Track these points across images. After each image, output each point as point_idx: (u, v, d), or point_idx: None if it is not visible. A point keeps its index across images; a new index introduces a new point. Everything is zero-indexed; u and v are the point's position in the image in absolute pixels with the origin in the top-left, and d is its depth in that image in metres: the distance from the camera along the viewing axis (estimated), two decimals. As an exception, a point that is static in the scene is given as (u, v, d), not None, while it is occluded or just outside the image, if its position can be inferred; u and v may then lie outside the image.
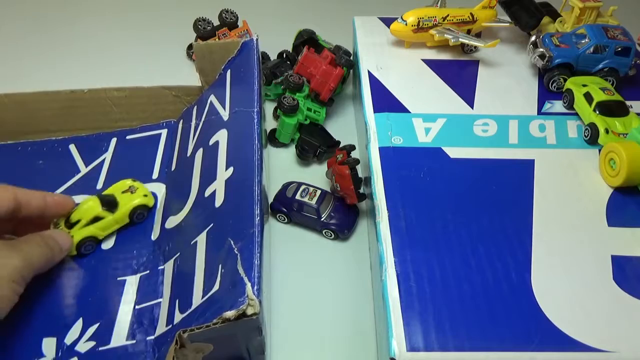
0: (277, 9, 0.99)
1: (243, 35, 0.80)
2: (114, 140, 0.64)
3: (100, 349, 0.44)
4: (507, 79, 0.67)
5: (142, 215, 0.54)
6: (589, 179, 0.54)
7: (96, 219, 0.50)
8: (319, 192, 0.59)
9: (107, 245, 0.52)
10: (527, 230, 0.49)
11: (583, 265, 0.46)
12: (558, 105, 0.63)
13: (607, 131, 0.56)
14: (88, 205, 0.51)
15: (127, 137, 0.64)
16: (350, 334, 0.50)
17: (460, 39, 0.68)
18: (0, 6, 0.97)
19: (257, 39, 0.63)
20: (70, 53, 0.86)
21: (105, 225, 0.51)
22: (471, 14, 0.71)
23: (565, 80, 0.63)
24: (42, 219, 0.50)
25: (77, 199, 0.56)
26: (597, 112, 0.58)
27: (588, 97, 0.59)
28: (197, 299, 0.42)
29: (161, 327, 0.45)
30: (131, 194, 0.53)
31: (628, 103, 0.59)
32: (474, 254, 0.46)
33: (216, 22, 0.80)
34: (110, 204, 0.52)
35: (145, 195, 0.54)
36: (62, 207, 0.51)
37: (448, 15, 0.70)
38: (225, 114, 0.58)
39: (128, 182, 0.55)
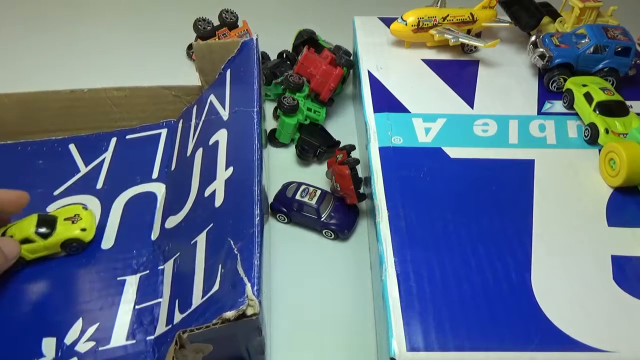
0: (277, 9, 0.99)
1: (243, 35, 0.80)
2: (113, 140, 0.64)
3: (100, 349, 0.44)
4: (507, 79, 0.67)
5: (76, 249, 0.51)
6: (589, 179, 0.54)
7: (26, 241, 0.49)
8: (319, 192, 0.59)
9: (107, 245, 0.52)
10: (527, 230, 0.49)
11: (583, 265, 0.46)
12: (558, 105, 0.63)
13: (607, 131, 0.56)
14: (24, 224, 0.50)
15: (127, 137, 0.64)
16: (350, 334, 0.50)
17: (460, 39, 0.68)
18: (0, 7, 0.97)
19: (256, 39, 0.63)
20: (70, 53, 0.86)
21: (34, 248, 0.49)
22: (471, 14, 0.71)
23: (565, 80, 0.63)
24: None
25: (77, 198, 0.57)
26: (597, 112, 0.58)
27: (588, 97, 0.59)
28: (197, 299, 0.42)
29: (161, 327, 0.45)
30: (71, 224, 0.50)
31: (628, 103, 0.59)
32: (474, 254, 0.46)
33: (216, 22, 0.80)
34: (46, 227, 0.49)
35: (84, 230, 0.51)
36: (17, 204, 0.50)
37: (448, 15, 0.70)
38: (225, 114, 0.58)
39: (77, 209, 0.53)
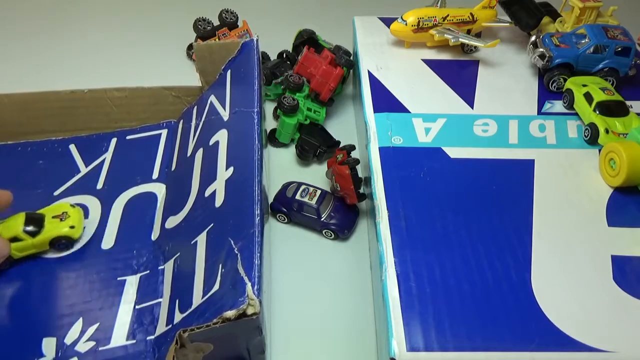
0: (277, 9, 0.99)
1: (243, 35, 0.80)
2: (114, 141, 0.64)
3: (100, 348, 0.44)
4: (507, 79, 0.67)
5: (65, 246, 0.51)
6: (589, 179, 0.54)
7: (15, 239, 0.49)
8: (319, 192, 0.59)
9: (107, 245, 0.52)
10: (527, 230, 0.49)
11: (583, 265, 0.46)
12: (558, 105, 0.63)
13: (607, 131, 0.56)
14: (12, 222, 0.50)
15: (127, 137, 0.64)
16: (350, 334, 0.50)
17: (460, 39, 0.68)
18: (0, 7, 0.97)
19: (257, 39, 0.63)
20: (70, 53, 0.86)
21: (23, 247, 0.49)
22: (471, 14, 0.71)
23: (565, 80, 0.63)
24: None
25: (77, 199, 0.57)
26: (597, 112, 0.58)
27: (588, 97, 0.59)
28: (197, 298, 0.42)
29: (161, 327, 0.45)
30: (59, 222, 0.51)
31: (628, 103, 0.59)
32: (474, 254, 0.46)
33: (216, 22, 0.80)
34: (34, 225, 0.50)
35: (72, 227, 0.51)
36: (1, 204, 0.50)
37: (448, 15, 0.70)
38: (225, 114, 0.58)
39: (64, 207, 0.53)
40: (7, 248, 0.48)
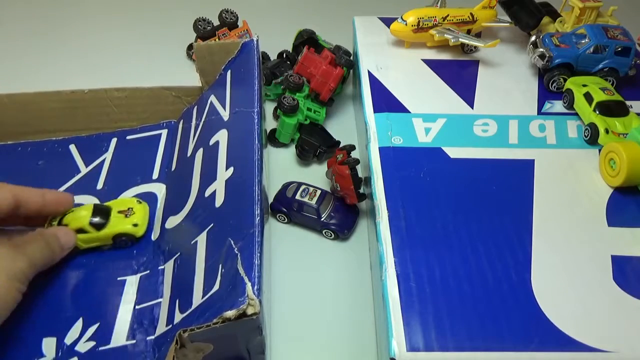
0: (277, 9, 0.99)
1: (243, 35, 0.80)
2: (114, 141, 0.64)
3: (100, 349, 0.44)
4: (507, 79, 0.67)
5: (125, 243, 0.51)
6: (589, 179, 0.54)
7: (81, 231, 0.50)
8: (319, 192, 0.59)
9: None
10: (527, 230, 0.49)
11: (583, 265, 0.46)
12: (558, 105, 0.63)
13: (607, 131, 0.56)
14: (80, 214, 0.50)
15: (127, 138, 0.64)
16: (350, 334, 0.50)
17: (460, 39, 0.68)
18: (0, 7, 0.97)
19: (257, 40, 0.63)
20: (70, 53, 0.86)
21: (88, 239, 0.50)
22: (471, 14, 0.71)
23: (565, 80, 0.63)
24: (42, 215, 0.50)
25: (77, 199, 0.56)
26: (597, 112, 0.58)
27: (588, 97, 0.59)
28: (197, 298, 0.42)
29: (161, 327, 0.45)
30: (124, 218, 0.51)
31: (628, 103, 0.59)
32: (474, 254, 0.46)
33: (216, 22, 0.80)
34: (100, 217, 0.50)
35: (135, 225, 0.51)
36: (61, 205, 0.51)
37: (448, 15, 0.70)
38: (225, 114, 0.58)
39: (131, 202, 0.53)
40: (74, 239, 0.49)
